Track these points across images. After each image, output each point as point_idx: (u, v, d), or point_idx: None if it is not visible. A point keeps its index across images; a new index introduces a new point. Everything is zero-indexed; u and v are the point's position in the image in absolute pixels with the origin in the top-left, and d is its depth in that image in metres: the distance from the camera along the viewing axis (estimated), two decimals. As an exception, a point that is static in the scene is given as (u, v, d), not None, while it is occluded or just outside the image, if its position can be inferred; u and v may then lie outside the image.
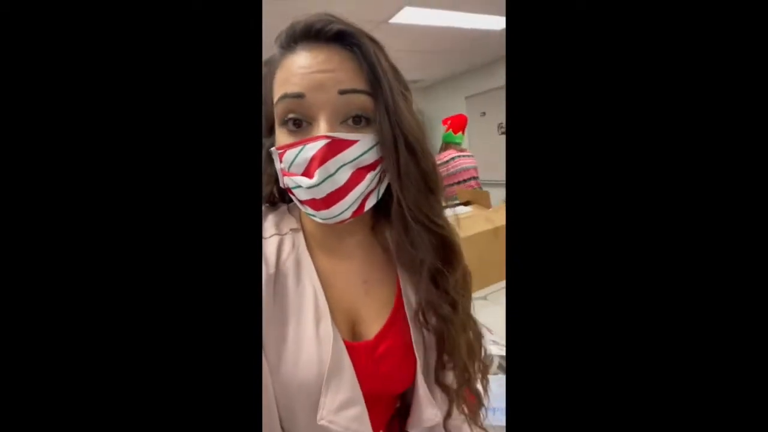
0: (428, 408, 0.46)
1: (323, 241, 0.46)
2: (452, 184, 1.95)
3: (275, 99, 0.39)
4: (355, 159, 0.38)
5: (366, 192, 0.40)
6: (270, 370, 0.40)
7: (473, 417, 0.50)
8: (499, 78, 3.87)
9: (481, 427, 0.52)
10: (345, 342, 0.42)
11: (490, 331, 0.95)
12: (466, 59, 3.70)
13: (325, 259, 0.46)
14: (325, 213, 0.39)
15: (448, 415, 0.48)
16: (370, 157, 0.39)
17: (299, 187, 0.39)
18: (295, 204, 0.43)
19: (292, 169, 0.39)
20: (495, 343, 0.91)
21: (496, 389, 0.59)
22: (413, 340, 0.46)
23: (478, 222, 1.37)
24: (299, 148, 0.37)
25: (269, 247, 0.43)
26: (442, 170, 1.86)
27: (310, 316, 0.42)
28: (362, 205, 0.40)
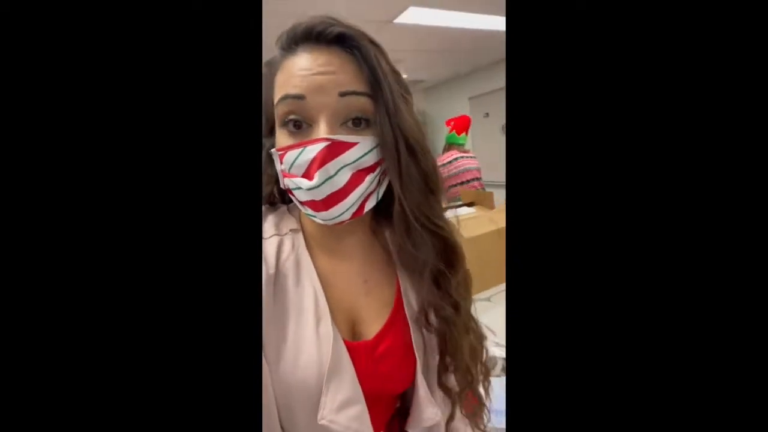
0: (428, 407, 0.46)
1: (323, 242, 0.46)
2: (455, 185, 1.94)
3: (276, 100, 0.39)
4: (355, 161, 0.38)
5: (366, 194, 0.40)
6: (270, 369, 0.40)
7: (475, 420, 0.50)
8: (502, 79, 3.84)
9: (484, 429, 0.51)
10: (345, 342, 0.42)
11: (493, 332, 0.94)
12: (471, 60, 3.70)
13: (325, 259, 0.46)
14: (324, 214, 0.39)
15: (450, 418, 0.48)
16: (370, 159, 0.39)
17: (299, 188, 0.39)
18: (295, 204, 0.44)
19: (293, 171, 0.39)
20: (498, 345, 0.91)
21: (499, 391, 0.59)
22: (413, 340, 0.46)
23: (481, 223, 1.37)
24: (299, 149, 0.38)
25: (269, 247, 0.43)
26: (445, 171, 1.85)
27: (310, 316, 0.42)
28: (362, 206, 0.40)
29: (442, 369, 0.47)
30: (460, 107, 4.23)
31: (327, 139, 0.37)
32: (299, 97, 0.37)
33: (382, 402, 0.47)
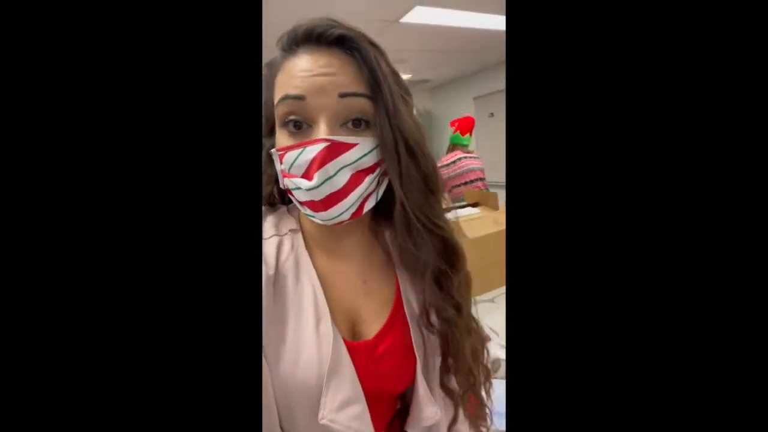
0: (428, 407, 0.45)
1: (322, 242, 0.46)
2: (459, 185, 1.94)
3: (276, 101, 0.39)
4: (354, 162, 0.38)
5: (365, 194, 0.40)
6: (270, 370, 0.40)
7: (477, 421, 0.49)
8: (507, 79, 3.84)
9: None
10: (345, 342, 0.42)
11: (496, 334, 0.94)
12: (476, 59, 3.68)
13: (325, 259, 0.46)
14: (324, 214, 0.39)
15: (453, 421, 0.48)
16: (370, 160, 0.39)
17: (299, 188, 0.39)
18: (295, 205, 0.44)
19: (292, 171, 0.39)
20: (502, 347, 0.90)
21: (501, 393, 0.59)
22: (413, 340, 0.46)
23: (485, 224, 1.36)
24: (299, 150, 0.38)
25: (268, 247, 0.44)
26: (449, 171, 1.85)
27: (309, 316, 0.42)
28: (361, 207, 0.41)
29: (444, 370, 0.47)
30: (465, 107, 4.22)
31: (327, 140, 0.37)
32: (299, 98, 0.38)
33: (382, 402, 0.47)
